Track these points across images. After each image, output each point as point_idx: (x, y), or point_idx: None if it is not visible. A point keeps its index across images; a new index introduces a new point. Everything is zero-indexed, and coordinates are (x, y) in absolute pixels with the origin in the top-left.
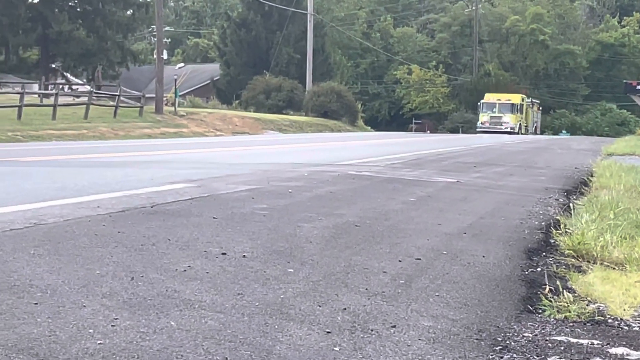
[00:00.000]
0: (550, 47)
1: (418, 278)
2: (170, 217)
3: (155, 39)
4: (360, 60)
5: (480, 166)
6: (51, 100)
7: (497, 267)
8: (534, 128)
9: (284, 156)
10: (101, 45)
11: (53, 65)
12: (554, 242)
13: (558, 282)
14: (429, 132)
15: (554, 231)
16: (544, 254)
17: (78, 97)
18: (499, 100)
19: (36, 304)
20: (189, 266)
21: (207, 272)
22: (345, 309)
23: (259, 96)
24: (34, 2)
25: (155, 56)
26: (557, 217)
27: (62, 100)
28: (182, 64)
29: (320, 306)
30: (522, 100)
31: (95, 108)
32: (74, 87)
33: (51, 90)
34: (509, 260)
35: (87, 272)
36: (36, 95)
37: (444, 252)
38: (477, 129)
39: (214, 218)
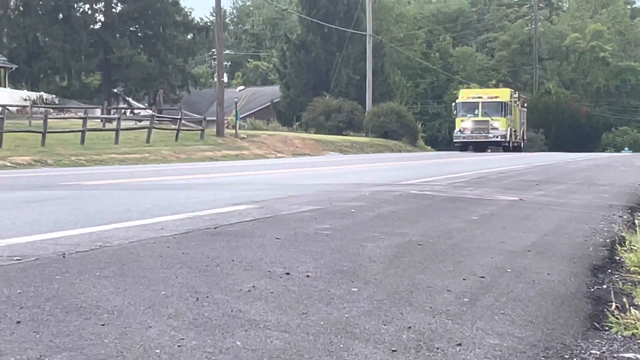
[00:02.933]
0: (611, 64)
1: (482, 296)
2: (233, 238)
3: (216, 62)
4: (420, 80)
5: (542, 184)
6: (113, 124)
7: (562, 285)
8: (521, 134)
9: (345, 176)
10: (162, 69)
11: (115, 90)
12: (619, 259)
13: (624, 299)
14: (489, 150)
15: (619, 248)
16: (609, 270)
17: (140, 121)
18: (482, 97)
19: (103, 325)
20: (253, 286)
21: (272, 292)
22: (410, 327)
23: (319, 117)
24: (96, 27)
25: (215, 79)
26: (622, 234)
27: (124, 124)
28: (242, 87)
29: (385, 325)
30: (511, 96)
31: (157, 132)
32: (135, 111)
33: (113, 114)
34: (574, 277)
35: (153, 293)
36: (99, 120)
37: (508, 270)
38: (455, 141)
39: (277, 238)
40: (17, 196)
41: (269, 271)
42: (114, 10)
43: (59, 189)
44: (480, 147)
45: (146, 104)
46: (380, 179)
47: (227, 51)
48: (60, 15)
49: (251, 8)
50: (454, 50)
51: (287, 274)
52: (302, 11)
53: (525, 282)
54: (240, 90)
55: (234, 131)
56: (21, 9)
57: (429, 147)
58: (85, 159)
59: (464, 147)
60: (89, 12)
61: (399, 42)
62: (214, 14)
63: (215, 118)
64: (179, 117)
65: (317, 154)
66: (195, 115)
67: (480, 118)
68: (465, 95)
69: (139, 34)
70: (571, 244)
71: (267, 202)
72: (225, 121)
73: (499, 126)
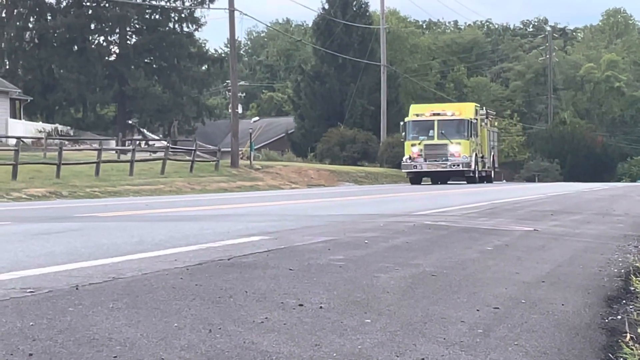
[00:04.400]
0: (626, 94)
1: (496, 327)
2: (247, 269)
3: (230, 94)
4: None
5: (557, 214)
6: (128, 156)
7: (576, 315)
8: (491, 160)
9: (359, 207)
10: (177, 100)
11: (130, 122)
12: (634, 290)
13: (639, 330)
14: (504, 180)
15: (634, 278)
16: (624, 301)
17: (155, 152)
18: (439, 114)
19: (115, 357)
20: (266, 318)
21: (285, 324)
22: (423, 359)
23: (334, 148)
24: (111, 59)
25: (230, 110)
26: (637, 264)
27: (139, 155)
28: (257, 118)
29: (398, 356)
30: (477, 112)
31: (171, 163)
32: (150, 142)
33: (128, 146)
34: (589, 308)
35: (166, 325)
36: (113, 152)
37: (523, 301)
38: (404, 171)
39: (291, 270)
40: (32, 228)
41: (282, 302)
42: (128, 42)
43: (73, 220)
44: (438, 178)
45: (161, 136)
46: (394, 209)
47: (242, 82)
48: (75, 47)
49: (265, 39)
50: (468, 80)
51: (301, 305)
52: (316, 42)
53: (540, 313)
54: (254, 121)
55: (248, 162)
56: (36, 41)
57: None
58: (100, 190)
59: (417, 178)
60: (104, 44)
61: (414, 72)
62: (229, 46)
63: (229, 149)
64: (193, 148)
65: (332, 185)
66: (209, 146)
67: (435, 141)
68: (416, 111)
69: (154, 66)
70: (586, 275)
71: (280, 233)
72: (240, 152)
73: (461, 151)
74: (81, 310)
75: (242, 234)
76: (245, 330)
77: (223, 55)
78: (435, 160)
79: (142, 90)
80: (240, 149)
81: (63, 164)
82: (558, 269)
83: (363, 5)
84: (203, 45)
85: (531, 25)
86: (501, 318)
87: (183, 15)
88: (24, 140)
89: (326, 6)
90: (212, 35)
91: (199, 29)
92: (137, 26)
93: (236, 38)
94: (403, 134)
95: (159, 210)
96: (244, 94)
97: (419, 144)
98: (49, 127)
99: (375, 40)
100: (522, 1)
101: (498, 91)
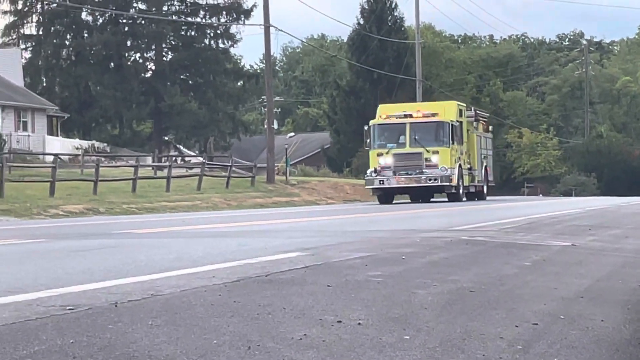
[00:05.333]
0: None
1: (535, 343)
2: (285, 285)
3: (266, 109)
4: None
5: (595, 229)
6: (165, 172)
7: (616, 331)
8: (482, 172)
9: (396, 223)
10: (212, 116)
11: (166, 138)
12: None
13: None
14: (541, 195)
15: None
16: None
17: (191, 168)
18: (412, 116)
19: None
20: (304, 334)
21: (323, 340)
22: None
23: None
24: (147, 76)
25: (265, 126)
26: None
27: (175, 172)
28: (292, 133)
29: None
30: (460, 113)
31: (207, 179)
32: (186, 158)
33: (164, 162)
34: (629, 323)
35: (205, 342)
36: (150, 168)
37: (561, 317)
38: (369, 187)
39: (329, 286)
40: (70, 245)
41: (320, 319)
42: (164, 58)
43: (111, 237)
44: (417, 195)
45: (197, 152)
46: (431, 225)
47: (277, 98)
48: (112, 64)
49: (301, 55)
50: (504, 94)
51: (339, 321)
52: (351, 57)
53: (579, 328)
54: (290, 137)
55: (284, 178)
56: (73, 58)
57: None
58: (137, 206)
59: (387, 196)
60: (140, 60)
61: (449, 87)
62: (264, 61)
63: (265, 165)
64: (229, 164)
65: (368, 200)
66: (245, 162)
67: (407, 149)
68: (384, 112)
69: (190, 82)
70: (625, 290)
71: (318, 249)
72: (276, 168)
73: (438, 161)
74: (120, 328)
75: (280, 250)
76: (284, 347)
77: (258, 71)
78: (407, 173)
79: (178, 107)
80: (276, 164)
81: (100, 180)
82: (597, 284)
83: (398, 20)
84: (238, 61)
85: (567, 39)
86: (540, 334)
87: (219, 31)
88: (62, 157)
89: (361, 21)
90: (248, 51)
91: (235, 45)
92: (173, 43)
93: (271, 54)
94: (367, 140)
95: (195, 226)
96: (280, 110)
97: (387, 153)
98: (85, 143)
99: (410, 55)
100: (557, 15)
101: (534, 105)
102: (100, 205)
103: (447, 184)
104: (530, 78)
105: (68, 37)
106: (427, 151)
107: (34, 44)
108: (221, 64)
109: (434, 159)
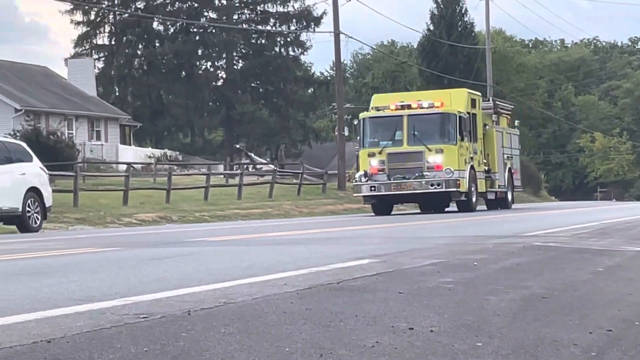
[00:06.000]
0: None
1: (610, 350)
2: (356, 292)
3: (336, 116)
4: (542, 130)
5: None
6: (236, 180)
7: None
8: (505, 176)
9: (467, 228)
10: (283, 124)
11: (237, 146)
12: None
13: None
14: (614, 200)
15: None
16: None
17: (262, 176)
18: (410, 106)
19: None
20: (376, 342)
21: (395, 348)
22: None
23: None
24: (218, 84)
25: (336, 133)
26: None
27: (246, 179)
28: None
29: None
30: (472, 103)
31: (279, 186)
32: (257, 166)
33: (236, 170)
34: None
35: (277, 350)
36: (222, 176)
37: (636, 323)
38: (359, 195)
39: (400, 293)
40: (143, 253)
41: (392, 326)
42: (235, 67)
43: (183, 245)
44: (426, 204)
45: (268, 159)
46: (502, 230)
47: (348, 105)
48: (183, 73)
49: (371, 61)
50: (576, 99)
51: (411, 328)
52: (421, 63)
53: None
54: None
55: None
56: (145, 67)
57: (553, 197)
58: (209, 214)
59: (382, 205)
60: (211, 69)
61: (520, 92)
62: (334, 68)
63: (336, 171)
64: (300, 171)
65: None
66: (316, 169)
67: (405, 147)
68: (378, 103)
69: (260, 90)
70: None
71: (389, 256)
72: (347, 175)
73: (443, 162)
74: (194, 336)
75: (351, 257)
76: (356, 355)
77: (329, 78)
78: (404, 178)
79: (249, 115)
80: (347, 171)
81: (172, 188)
82: None
83: (468, 26)
84: (309, 68)
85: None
86: (614, 340)
87: (289, 39)
88: (134, 165)
89: (431, 27)
90: (318, 59)
91: (305, 53)
92: (244, 51)
93: (342, 61)
94: (358, 138)
95: (267, 233)
96: (350, 116)
97: (380, 152)
98: (158, 152)
99: (481, 60)
100: (629, 18)
101: (607, 109)
102: (173, 214)
103: (454, 189)
104: (603, 82)
105: (140, 46)
106: (429, 150)
107: (106, 54)
108: (291, 71)
109: (438, 159)
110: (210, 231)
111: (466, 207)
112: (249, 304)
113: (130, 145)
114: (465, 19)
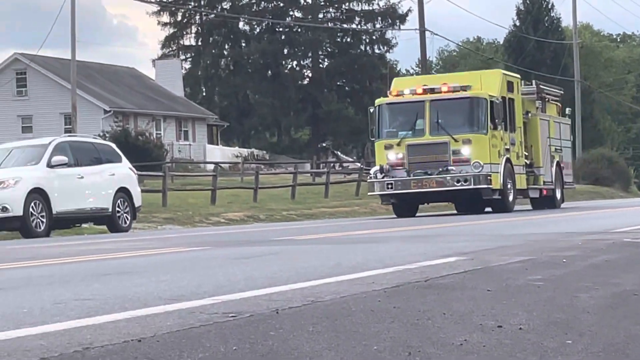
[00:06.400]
0: None
1: None
2: (444, 290)
3: None
4: (631, 125)
5: None
6: (323, 178)
7: None
8: (553, 171)
9: (555, 225)
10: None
11: (323, 144)
12: None
13: None
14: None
15: None
16: None
17: (349, 174)
18: (435, 90)
19: None
20: (465, 340)
21: (484, 346)
22: None
23: None
24: (304, 83)
25: None
26: None
27: (333, 178)
28: None
29: None
30: (509, 87)
31: (365, 184)
32: (344, 164)
33: (323, 168)
34: None
35: (365, 348)
36: (308, 174)
37: None
38: (370, 190)
39: (488, 290)
40: (231, 252)
41: (480, 324)
42: (321, 65)
43: (271, 244)
44: (461, 203)
45: (354, 157)
46: (591, 227)
47: None
48: (269, 73)
49: (457, 58)
50: None
51: (500, 326)
52: (508, 59)
53: None
54: None
55: None
56: (231, 67)
57: None
58: (296, 213)
59: (403, 205)
60: (297, 68)
61: (608, 87)
62: (420, 66)
63: None
64: None
65: (526, 203)
66: None
67: (427, 138)
68: (399, 87)
69: (346, 88)
70: None
71: (476, 254)
72: None
73: (471, 155)
74: (282, 334)
75: (438, 255)
76: (445, 353)
77: (415, 75)
78: (426, 173)
79: (335, 113)
80: None
81: (260, 187)
82: None
83: (555, 21)
84: (395, 66)
85: None
86: None
87: (374, 37)
88: (222, 165)
89: (517, 23)
90: (404, 56)
91: (390, 50)
92: (329, 50)
93: (427, 58)
94: (372, 128)
95: (354, 232)
96: None
97: (399, 144)
98: (245, 151)
99: (568, 55)
100: None
101: None
102: (261, 212)
103: (485, 186)
104: None
105: (226, 47)
106: (455, 140)
107: (193, 54)
108: (377, 69)
109: (465, 151)
110: (297, 230)
111: (502, 206)
112: (337, 302)
113: (217, 144)
114: (551, 14)
